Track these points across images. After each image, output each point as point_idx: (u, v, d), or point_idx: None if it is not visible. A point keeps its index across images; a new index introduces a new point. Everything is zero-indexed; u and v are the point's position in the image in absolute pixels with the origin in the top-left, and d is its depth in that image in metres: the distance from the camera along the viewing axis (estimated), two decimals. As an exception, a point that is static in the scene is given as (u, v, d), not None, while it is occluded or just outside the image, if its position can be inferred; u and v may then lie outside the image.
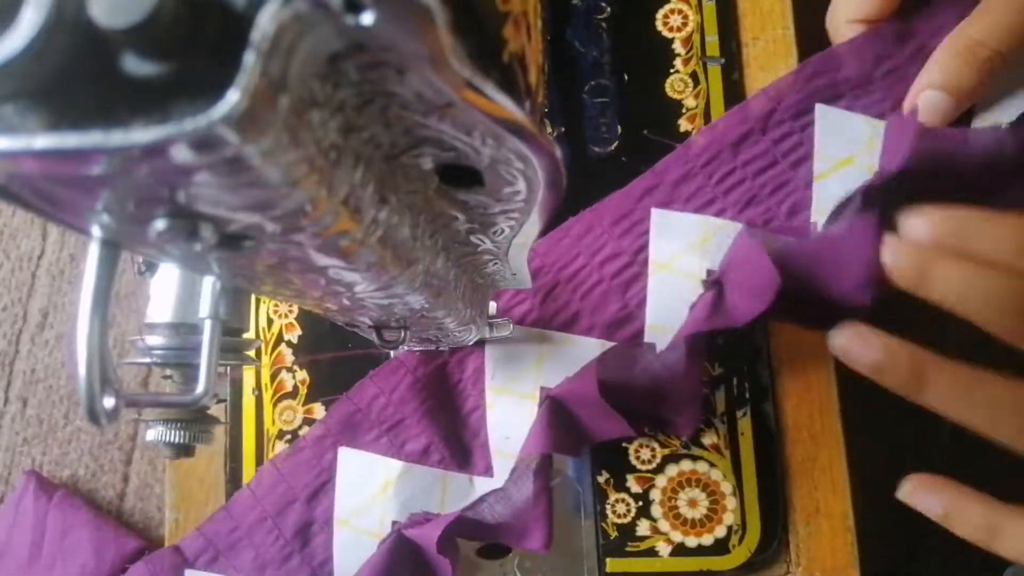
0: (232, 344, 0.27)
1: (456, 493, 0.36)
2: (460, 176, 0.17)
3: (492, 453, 0.37)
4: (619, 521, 0.35)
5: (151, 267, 0.26)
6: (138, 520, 0.54)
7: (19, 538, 0.52)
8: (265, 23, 0.10)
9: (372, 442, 0.37)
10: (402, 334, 0.27)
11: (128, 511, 0.55)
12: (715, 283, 0.35)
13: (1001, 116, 0.37)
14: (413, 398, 0.37)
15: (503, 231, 0.21)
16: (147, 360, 0.25)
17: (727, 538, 0.35)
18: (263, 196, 0.12)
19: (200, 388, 0.22)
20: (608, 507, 0.36)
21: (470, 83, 0.12)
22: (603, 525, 0.35)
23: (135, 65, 0.10)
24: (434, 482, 0.36)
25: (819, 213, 0.37)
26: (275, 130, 0.11)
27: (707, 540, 0.35)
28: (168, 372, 0.26)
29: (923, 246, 0.29)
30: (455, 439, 0.37)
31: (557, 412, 0.35)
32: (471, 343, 0.35)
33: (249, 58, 0.10)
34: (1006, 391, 0.29)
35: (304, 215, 0.13)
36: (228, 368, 0.37)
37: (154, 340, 0.25)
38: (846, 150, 0.37)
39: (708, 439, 0.36)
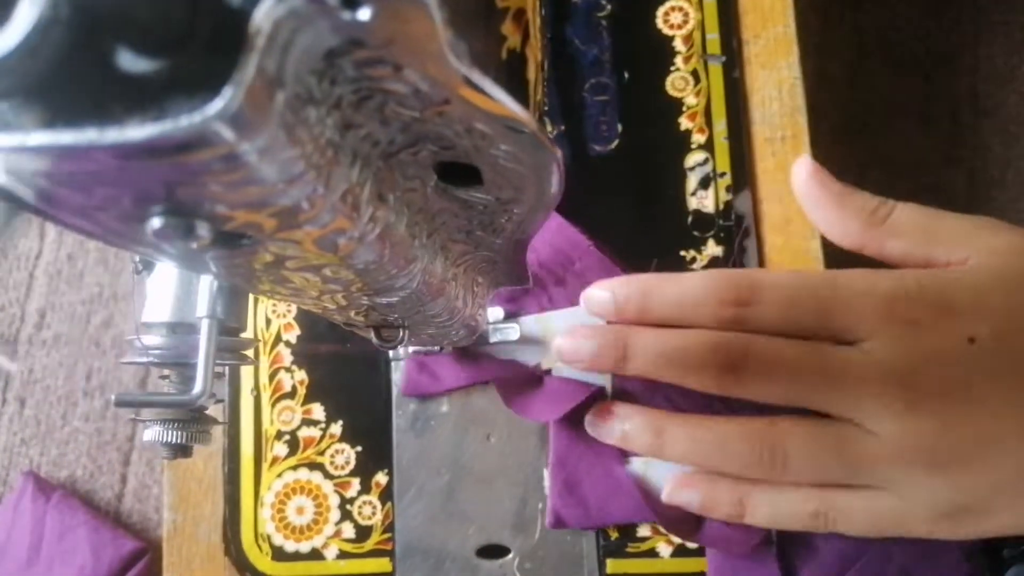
0: (230, 344, 0.27)
1: None
2: (459, 174, 0.17)
3: None
4: (619, 521, 0.35)
5: (148, 266, 0.26)
6: (136, 521, 0.54)
7: (18, 539, 0.52)
8: (261, 19, 0.10)
9: None
10: (401, 333, 0.27)
11: (126, 512, 0.54)
12: None
13: None
14: None
15: (502, 229, 0.21)
16: (144, 360, 0.25)
17: (727, 538, 0.35)
18: (260, 194, 0.12)
19: (198, 388, 0.22)
20: (608, 507, 0.35)
21: (468, 80, 0.12)
22: (603, 525, 0.35)
23: (130, 62, 0.10)
24: None
25: None
26: (271, 127, 0.11)
27: (707, 540, 0.35)
28: (165, 372, 0.26)
29: (612, 321, 0.31)
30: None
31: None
32: (470, 343, 0.35)
33: (245, 54, 0.10)
34: (718, 426, 0.30)
35: (301, 213, 0.13)
36: (226, 368, 0.37)
37: (151, 340, 0.25)
38: None
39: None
